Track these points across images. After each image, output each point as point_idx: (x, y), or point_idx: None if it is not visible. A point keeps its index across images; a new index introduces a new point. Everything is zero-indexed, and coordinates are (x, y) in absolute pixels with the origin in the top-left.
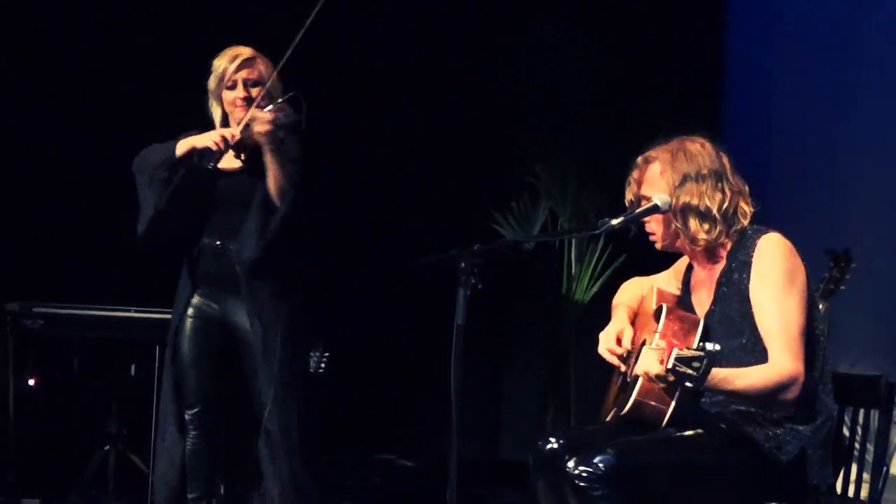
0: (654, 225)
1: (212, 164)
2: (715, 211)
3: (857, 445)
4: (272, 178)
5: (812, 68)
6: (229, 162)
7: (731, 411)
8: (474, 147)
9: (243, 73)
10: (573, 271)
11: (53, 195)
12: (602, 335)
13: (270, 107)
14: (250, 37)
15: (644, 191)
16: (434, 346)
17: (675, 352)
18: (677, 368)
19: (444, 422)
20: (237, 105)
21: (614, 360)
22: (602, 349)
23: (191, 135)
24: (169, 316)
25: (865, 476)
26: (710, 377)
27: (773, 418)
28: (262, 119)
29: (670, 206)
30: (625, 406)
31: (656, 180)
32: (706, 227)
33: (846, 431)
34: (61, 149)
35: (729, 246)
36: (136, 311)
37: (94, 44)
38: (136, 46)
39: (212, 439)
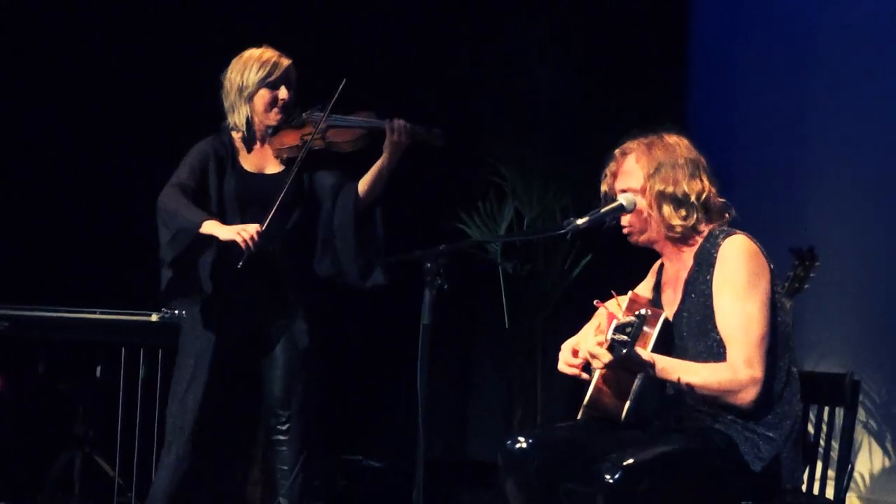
0: (628, 217)
1: (240, 263)
2: (693, 198)
3: (822, 443)
4: (376, 184)
5: (776, 68)
6: (265, 164)
7: (706, 413)
8: (440, 147)
9: (288, 78)
10: (539, 271)
11: (18, 197)
12: (560, 354)
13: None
14: (252, 39)
15: (619, 183)
16: (401, 347)
17: (613, 322)
18: (614, 337)
19: (412, 422)
20: (277, 106)
21: (574, 372)
22: (560, 366)
23: (199, 157)
24: (134, 318)
25: (831, 473)
26: (662, 365)
27: (747, 426)
28: (402, 129)
29: (635, 205)
30: (585, 397)
31: (632, 171)
32: (682, 213)
33: (811, 429)
34: (27, 151)
35: (697, 246)
36: (101, 313)
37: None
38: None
39: (208, 453)
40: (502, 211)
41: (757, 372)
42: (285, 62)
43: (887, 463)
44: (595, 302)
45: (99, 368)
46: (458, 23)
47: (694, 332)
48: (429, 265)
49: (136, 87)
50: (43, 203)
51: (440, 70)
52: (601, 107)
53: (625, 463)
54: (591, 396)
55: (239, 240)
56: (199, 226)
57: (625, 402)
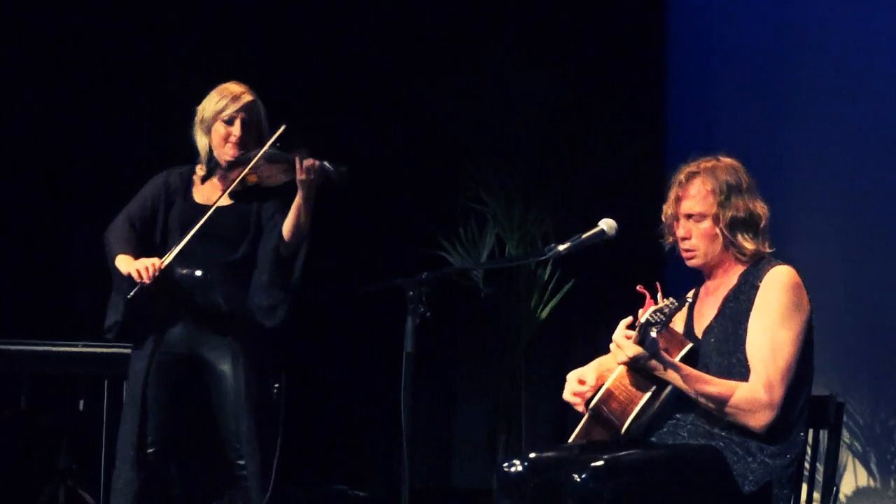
0: (696, 241)
1: (130, 294)
2: (760, 222)
3: (807, 465)
4: (295, 226)
5: (755, 85)
6: (215, 197)
7: (705, 431)
8: (420, 175)
9: (244, 114)
10: (521, 297)
11: None
12: (566, 382)
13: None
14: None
15: (686, 208)
16: (384, 375)
17: (651, 307)
18: (649, 318)
19: (396, 450)
20: (229, 141)
21: (577, 401)
22: (566, 394)
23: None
24: (117, 350)
25: (816, 496)
26: (685, 372)
27: (746, 447)
28: (313, 167)
29: (616, 230)
30: (593, 398)
31: (701, 195)
32: (751, 236)
33: None
34: (6, 184)
35: (743, 268)
36: (83, 346)
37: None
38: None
39: (165, 479)
40: (484, 237)
41: (775, 398)
42: (246, 98)
43: (872, 484)
44: (638, 287)
45: (82, 401)
46: (438, 50)
47: (721, 347)
48: (411, 293)
49: (123, 120)
50: (24, 236)
51: (420, 97)
52: (580, 133)
53: (593, 464)
54: (599, 398)
55: (134, 274)
56: (114, 260)
57: (630, 413)
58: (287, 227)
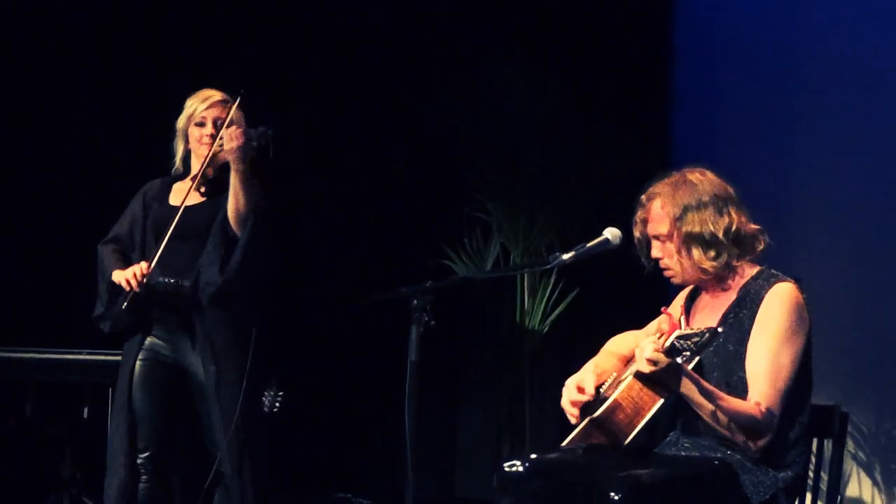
0: (667, 261)
1: (124, 303)
2: (721, 235)
3: (811, 475)
4: (234, 201)
5: (760, 98)
6: (184, 195)
7: (709, 444)
8: (425, 184)
9: (214, 112)
10: (526, 306)
11: (3, 239)
12: (564, 389)
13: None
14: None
15: (651, 229)
16: (388, 384)
17: (676, 332)
18: (675, 345)
19: (400, 459)
20: (203, 142)
21: (573, 411)
22: (564, 402)
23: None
24: (121, 359)
25: None
26: (700, 385)
27: (753, 460)
28: (233, 133)
29: (620, 239)
30: (597, 409)
31: (659, 216)
32: (712, 253)
33: None
34: (10, 192)
35: (743, 280)
36: (87, 354)
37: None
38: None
39: (164, 483)
40: (488, 246)
41: (775, 420)
42: (215, 98)
43: (876, 494)
44: (662, 309)
45: (86, 409)
46: (443, 60)
47: (718, 365)
48: (415, 302)
49: (125, 130)
50: (28, 244)
51: (426, 107)
52: (585, 142)
53: (631, 481)
54: (605, 409)
55: (124, 284)
56: (110, 276)
57: (637, 425)
58: (229, 208)
